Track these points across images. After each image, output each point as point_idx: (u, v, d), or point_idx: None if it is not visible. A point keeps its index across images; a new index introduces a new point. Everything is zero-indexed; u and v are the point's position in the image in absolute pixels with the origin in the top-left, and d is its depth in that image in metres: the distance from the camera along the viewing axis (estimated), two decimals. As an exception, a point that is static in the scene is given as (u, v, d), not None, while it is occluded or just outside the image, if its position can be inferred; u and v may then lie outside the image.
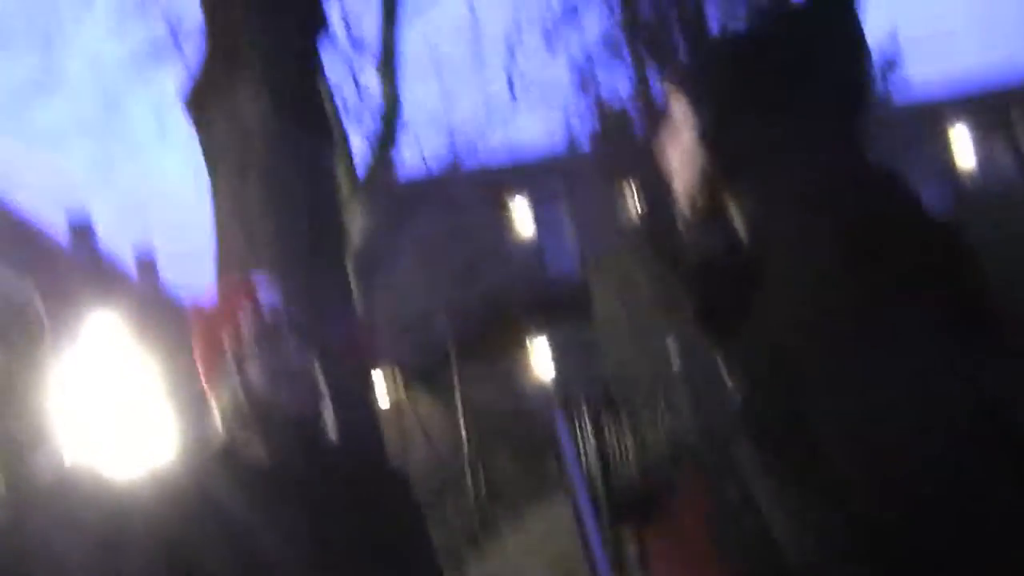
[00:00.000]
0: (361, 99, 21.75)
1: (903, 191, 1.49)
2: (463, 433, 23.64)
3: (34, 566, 2.06)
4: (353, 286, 8.41)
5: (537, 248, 27.08)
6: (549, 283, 25.30)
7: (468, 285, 23.52)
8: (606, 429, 16.08)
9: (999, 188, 24.16)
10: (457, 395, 24.23)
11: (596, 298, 22.98)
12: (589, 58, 21.76)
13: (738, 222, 1.61)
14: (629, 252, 21.17)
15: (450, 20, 26.82)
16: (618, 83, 21.68)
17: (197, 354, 2.40)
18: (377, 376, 18.11)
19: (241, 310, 2.36)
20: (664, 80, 1.86)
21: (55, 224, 24.49)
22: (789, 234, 1.41)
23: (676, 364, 17.00)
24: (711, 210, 1.64)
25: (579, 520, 13.21)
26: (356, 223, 18.76)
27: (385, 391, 23.10)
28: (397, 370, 22.88)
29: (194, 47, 18.13)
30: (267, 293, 2.43)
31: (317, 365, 2.37)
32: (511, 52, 22.70)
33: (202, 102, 6.39)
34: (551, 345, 24.77)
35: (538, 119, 36.15)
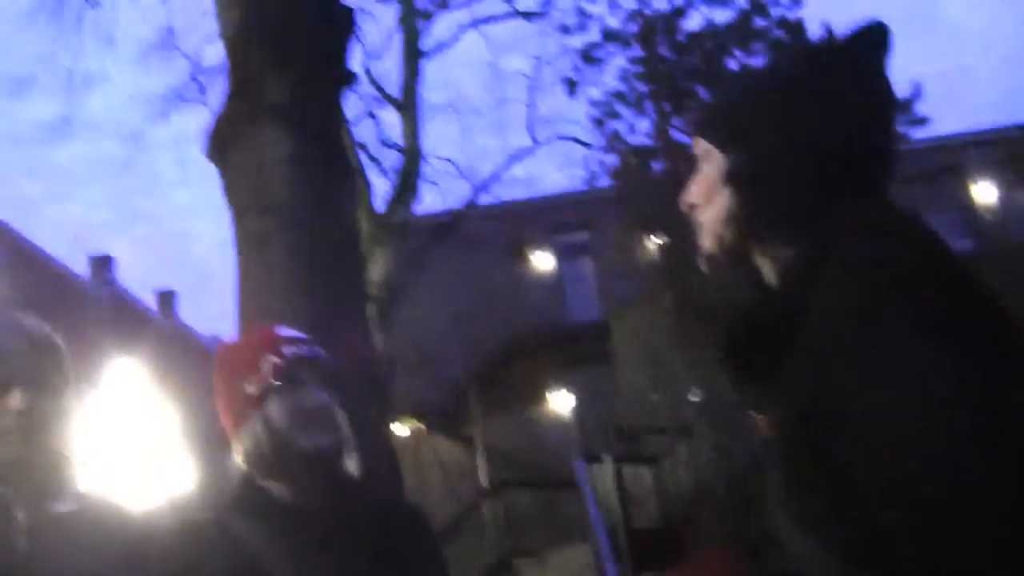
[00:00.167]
0: (382, 138, 21.86)
1: (926, 232, 1.49)
2: (482, 473, 23.59)
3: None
4: (373, 324, 8.43)
5: (558, 290, 27.06)
6: (570, 326, 25.26)
7: (488, 325, 23.50)
8: (626, 475, 16.03)
9: (1019, 224, 24.11)
10: (477, 435, 24.19)
11: (616, 343, 22.94)
12: (610, 99, 21.83)
13: (767, 268, 1.60)
14: (651, 297, 21.16)
15: (471, 60, 26.85)
16: (640, 125, 21.75)
17: (220, 394, 2.41)
18: (395, 414, 18.10)
19: (263, 351, 2.36)
20: (688, 123, 1.86)
21: (76, 262, 24.66)
22: (830, 279, 1.40)
23: (697, 411, 16.98)
24: (738, 256, 1.63)
25: (600, 565, 13.16)
26: (376, 262, 18.80)
27: (404, 428, 23.07)
28: (416, 408, 22.84)
29: (217, 88, 18.30)
30: (289, 334, 2.44)
31: (338, 406, 2.38)
32: (532, 92, 22.80)
33: (225, 142, 6.43)
34: (572, 389, 24.74)
35: (560, 159, 36.09)
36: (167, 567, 2.23)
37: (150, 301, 28.00)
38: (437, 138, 35.33)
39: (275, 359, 2.34)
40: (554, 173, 49.52)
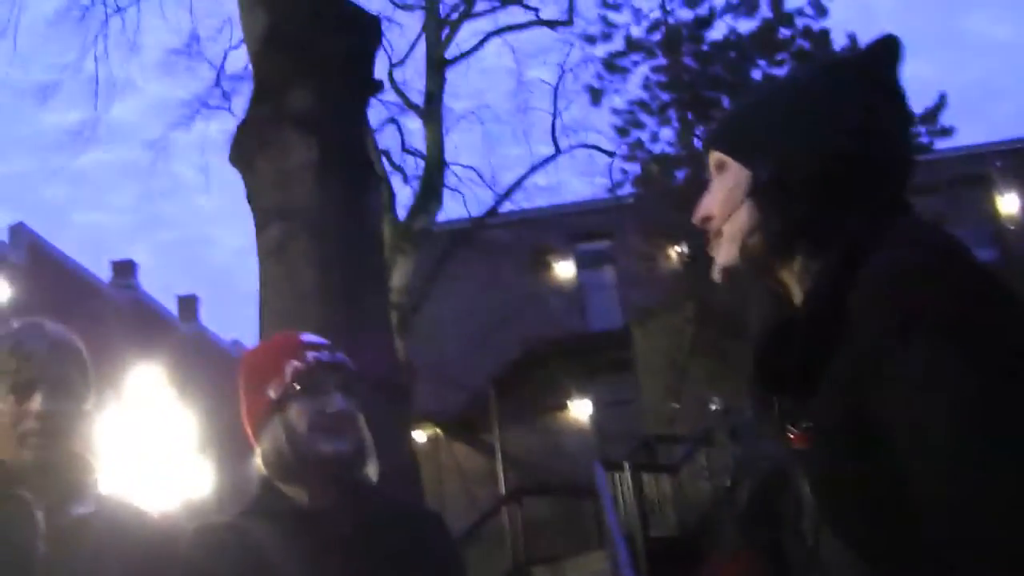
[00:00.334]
0: (405, 145, 21.89)
1: (954, 242, 1.48)
2: (500, 480, 23.58)
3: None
4: (394, 330, 8.43)
5: (579, 298, 27.02)
6: (590, 334, 25.22)
7: (508, 333, 23.48)
8: (645, 483, 16.02)
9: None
10: (496, 442, 24.19)
11: (637, 351, 22.90)
12: (633, 108, 21.81)
13: (791, 280, 1.60)
14: (672, 306, 21.11)
15: (495, 69, 26.87)
16: (663, 133, 21.71)
17: (242, 400, 2.42)
18: (415, 420, 18.15)
19: (285, 356, 2.38)
20: (708, 134, 1.85)
21: (99, 267, 24.77)
22: (868, 289, 1.40)
23: (717, 420, 16.94)
24: (761, 269, 1.63)
25: (617, 572, 13.15)
26: (398, 269, 18.83)
27: (423, 435, 23.09)
28: (436, 414, 22.86)
29: (242, 95, 18.39)
30: (311, 340, 2.45)
31: (360, 412, 2.39)
32: (555, 101, 22.78)
33: (249, 149, 6.46)
34: (591, 396, 24.72)
35: (582, 168, 36.00)
36: (185, 570, 2.24)
37: (172, 306, 28.11)
38: (460, 146, 35.31)
39: (297, 364, 2.35)
40: (576, 182, 49.49)
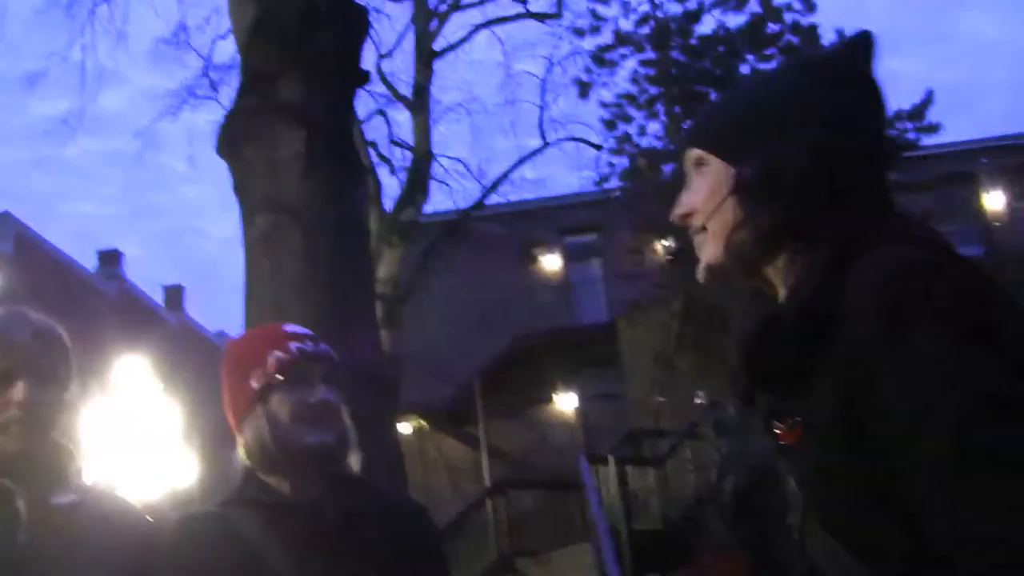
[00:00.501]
0: (392, 137, 21.86)
1: (940, 238, 1.49)
2: (486, 472, 23.61)
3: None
4: (380, 322, 8.43)
5: (566, 292, 27.04)
6: (577, 328, 25.25)
7: (495, 325, 23.50)
8: (630, 476, 16.05)
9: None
10: (481, 434, 24.21)
11: (624, 345, 22.93)
12: (621, 102, 21.82)
13: (777, 277, 1.60)
14: (659, 300, 21.14)
15: (483, 61, 26.84)
16: (651, 127, 21.73)
17: (224, 390, 2.42)
18: (401, 412, 18.15)
19: (269, 347, 2.38)
20: (685, 132, 1.84)
21: (85, 257, 24.71)
22: (860, 285, 1.40)
23: (703, 414, 16.99)
24: (747, 267, 1.63)
25: (601, 565, 13.17)
26: (385, 261, 18.81)
27: (409, 427, 23.09)
28: (422, 407, 22.86)
29: (230, 85, 18.34)
30: (295, 330, 2.45)
31: (344, 403, 2.39)
32: (543, 93, 22.78)
33: (236, 139, 6.44)
34: (578, 390, 24.75)
35: (570, 161, 36.01)
36: (168, 560, 2.24)
37: (158, 297, 28.07)
38: (448, 138, 35.28)
39: (280, 354, 2.35)
40: (564, 175, 49.48)
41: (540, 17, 22.38)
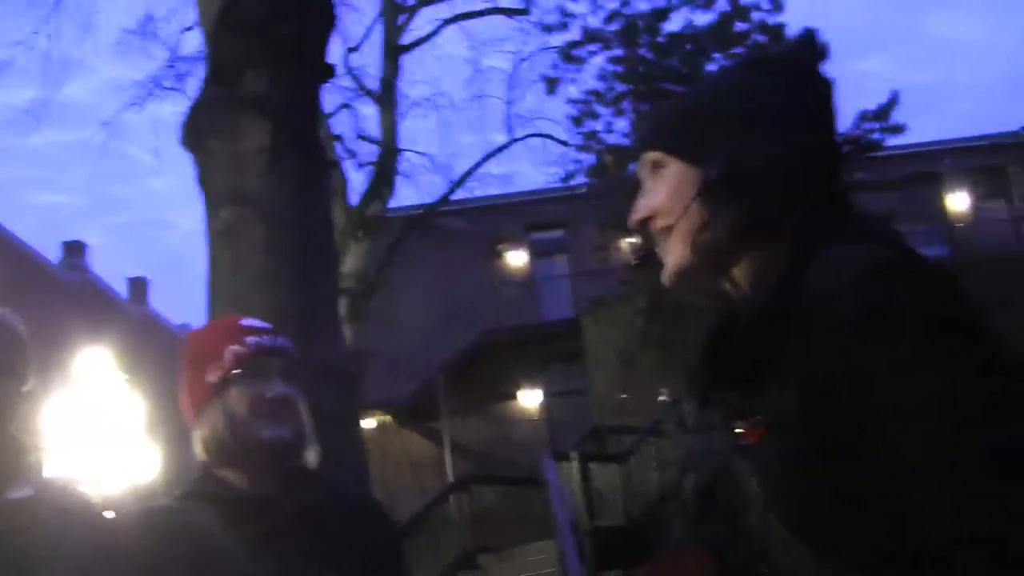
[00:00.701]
0: (359, 131, 21.80)
1: (901, 236, 1.50)
2: (449, 468, 23.58)
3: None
4: (345, 317, 8.42)
5: (531, 288, 27.06)
6: (542, 324, 25.26)
7: (460, 321, 23.48)
8: (593, 473, 16.08)
9: (992, 233, 24.26)
10: (444, 430, 24.18)
11: (588, 342, 22.97)
12: (588, 98, 21.83)
13: (740, 277, 1.60)
14: (624, 297, 21.18)
15: (451, 56, 26.76)
16: (618, 124, 21.75)
17: (183, 383, 2.41)
18: (364, 407, 18.06)
19: (226, 340, 2.37)
20: (642, 135, 1.84)
21: (49, 248, 24.52)
22: (823, 282, 1.40)
23: (666, 411, 17.02)
24: (713, 268, 1.63)
25: (564, 561, 13.18)
26: (350, 255, 18.76)
27: (372, 422, 23.05)
28: (385, 401, 22.83)
29: (195, 76, 18.23)
30: (253, 324, 2.44)
31: (302, 397, 2.38)
32: (510, 89, 22.78)
33: (201, 131, 6.40)
34: (542, 386, 24.78)
35: (536, 157, 35.97)
36: (126, 553, 2.23)
37: (122, 288, 27.89)
38: (415, 132, 35.23)
39: (237, 348, 2.34)
40: (531, 171, 49.45)
41: (508, 12, 22.38)
